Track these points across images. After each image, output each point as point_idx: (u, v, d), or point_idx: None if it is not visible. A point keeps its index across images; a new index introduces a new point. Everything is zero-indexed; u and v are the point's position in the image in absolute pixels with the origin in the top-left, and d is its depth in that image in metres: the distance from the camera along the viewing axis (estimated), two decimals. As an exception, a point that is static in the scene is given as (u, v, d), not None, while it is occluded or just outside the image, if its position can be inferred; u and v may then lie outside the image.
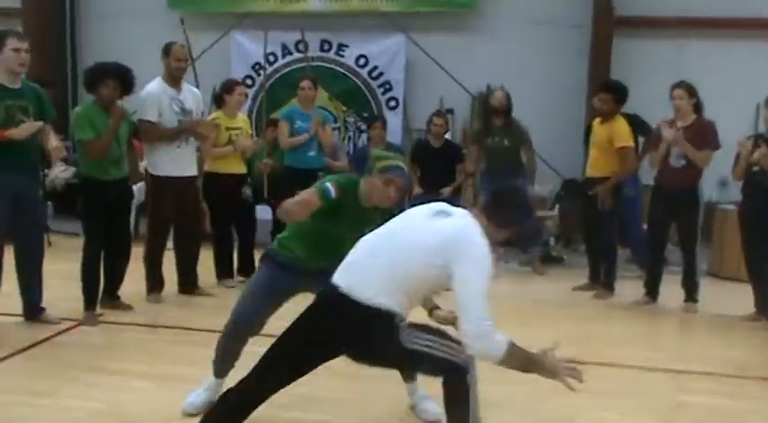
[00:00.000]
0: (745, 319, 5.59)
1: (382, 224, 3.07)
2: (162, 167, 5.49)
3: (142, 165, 5.75)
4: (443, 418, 2.97)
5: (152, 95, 5.43)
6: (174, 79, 5.52)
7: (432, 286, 2.93)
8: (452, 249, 2.78)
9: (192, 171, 5.67)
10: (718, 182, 8.03)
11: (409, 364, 3.05)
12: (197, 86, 6.30)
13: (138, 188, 6.08)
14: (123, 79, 5.09)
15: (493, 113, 6.98)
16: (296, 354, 2.96)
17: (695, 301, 5.87)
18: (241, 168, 6.21)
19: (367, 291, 2.81)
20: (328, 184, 3.25)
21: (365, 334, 2.81)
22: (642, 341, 5.14)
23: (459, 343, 2.80)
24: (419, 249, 2.81)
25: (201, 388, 3.66)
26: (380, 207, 3.38)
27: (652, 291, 5.99)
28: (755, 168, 5.34)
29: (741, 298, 5.76)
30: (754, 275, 5.58)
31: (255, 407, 2.98)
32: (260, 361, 2.99)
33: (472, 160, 7.19)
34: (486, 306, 2.75)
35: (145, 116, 5.41)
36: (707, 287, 6.15)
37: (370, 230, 3.08)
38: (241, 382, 3.00)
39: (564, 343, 3.37)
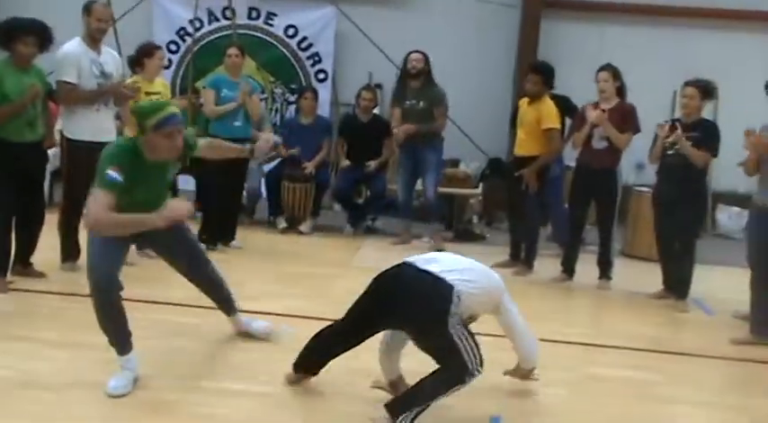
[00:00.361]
0: (654, 296, 5.82)
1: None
2: (79, 131, 5.27)
3: (57, 128, 5.54)
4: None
5: (71, 56, 5.21)
6: (94, 40, 5.31)
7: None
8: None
9: (110, 136, 5.47)
10: (635, 165, 8.29)
11: (441, 348, 3.23)
12: (118, 50, 6.11)
13: (54, 153, 5.86)
14: (42, 37, 4.88)
15: (408, 76, 7.01)
16: (363, 314, 3.41)
17: (609, 278, 6.07)
18: None
19: (437, 268, 3.30)
20: (109, 172, 3.34)
21: (425, 298, 3.23)
22: (558, 317, 5.29)
23: (479, 353, 3.20)
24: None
25: (121, 371, 3.54)
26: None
27: (569, 268, 6.16)
28: (670, 152, 5.52)
29: (652, 277, 5.99)
30: (664, 256, 5.80)
31: (338, 352, 3.51)
32: (347, 313, 3.45)
33: (395, 121, 7.15)
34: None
35: (63, 77, 5.18)
36: (620, 266, 6.36)
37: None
38: (331, 326, 3.53)
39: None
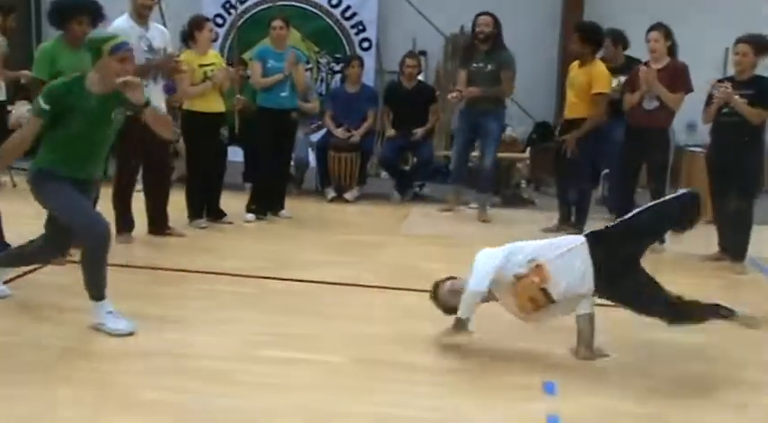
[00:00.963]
0: (710, 258, 5.71)
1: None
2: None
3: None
4: None
5: (120, 32, 5.23)
6: (141, 16, 5.38)
7: None
8: None
9: (161, 109, 5.56)
10: (687, 125, 8.09)
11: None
12: (164, 25, 6.16)
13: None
14: (95, 14, 4.95)
15: (476, 38, 6.78)
16: None
17: (663, 241, 5.96)
18: (220, 107, 6.13)
19: None
20: (39, 100, 3.67)
21: None
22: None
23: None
24: None
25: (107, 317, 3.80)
26: (120, 96, 3.71)
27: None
28: (724, 111, 5.38)
29: (707, 239, 5.86)
30: (720, 217, 5.68)
31: None
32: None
33: (461, 84, 6.90)
34: None
35: None
36: (674, 229, 6.23)
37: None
38: None
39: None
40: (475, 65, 6.76)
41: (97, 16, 4.96)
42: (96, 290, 3.81)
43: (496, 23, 6.69)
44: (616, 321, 4.10)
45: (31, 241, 4.16)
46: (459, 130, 7.12)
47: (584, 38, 6.09)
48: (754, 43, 5.32)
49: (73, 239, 4.02)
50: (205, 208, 6.23)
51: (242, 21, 8.79)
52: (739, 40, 5.39)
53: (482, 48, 6.76)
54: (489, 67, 6.71)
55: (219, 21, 9.44)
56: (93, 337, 3.76)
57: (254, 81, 6.56)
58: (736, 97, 5.22)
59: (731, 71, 5.77)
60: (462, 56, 7.12)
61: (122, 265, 5.03)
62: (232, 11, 9.23)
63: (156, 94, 5.50)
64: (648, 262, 5.72)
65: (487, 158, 6.86)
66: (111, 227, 5.37)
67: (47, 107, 3.66)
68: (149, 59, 5.38)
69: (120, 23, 5.30)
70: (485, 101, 6.70)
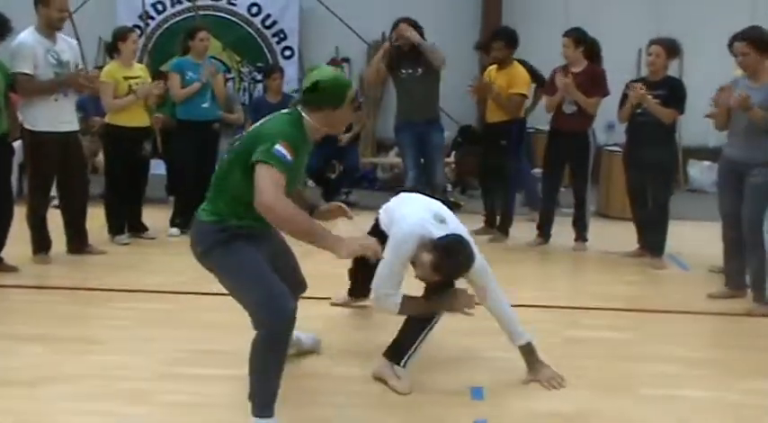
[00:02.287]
0: (630, 255, 5.87)
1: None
2: (40, 122, 5.18)
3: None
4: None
5: (25, 46, 5.08)
6: (50, 30, 5.20)
7: None
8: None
9: (72, 125, 5.39)
10: (606, 125, 8.29)
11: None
12: (76, 37, 5.99)
13: (20, 145, 5.77)
14: (1, 28, 4.78)
15: (400, 47, 6.24)
16: None
17: (585, 240, 6.11)
18: (145, 121, 6.01)
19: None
20: (280, 149, 2.75)
21: None
22: (535, 281, 5.32)
23: None
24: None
25: None
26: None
27: (545, 232, 6.19)
28: (638, 111, 5.53)
29: (627, 236, 6.02)
30: (638, 215, 5.83)
31: None
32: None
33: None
34: (385, 277, 3.33)
35: (20, 69, 5.07)
36: (595, 227, 6.39)
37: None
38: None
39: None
40: (404, 71, 6.35)
41: (4, 30, 4.78)
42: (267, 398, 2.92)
43: (417, 27, 6.31)
44: (540, 320, 4.16)
45: None
46: (405, 145, 6.39)
47: (509, 43, 6.17)
48: (666, 45, 5.49)
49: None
50: (126, 223, 6.07)
51: (158, 32, 8.62)
52: (652, 42, 5.56)
53: (408, 55, 6.28)
54: (420, 70, 6.28)
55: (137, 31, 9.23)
56: (9, 362, 3.60)
57: (173, 93, 6.43)
58: (649, 97, 5.38)
59: (645, 72, 5.94)
60: (387, 64, 6.40)
61: (40, 287, 4.87)
62: (149, 21, 9.03)
63: (67, 109, 5.34)
64: (572, 259, 5.93)
65: (438, 174, 6.37)
66: (27, 247, 5.26)
67: (291, 161, 2.79)
68: (58, 74, 5.20)
69: (26, 37, 5.12)
70: (427, 110, 6.30)
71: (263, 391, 2.90)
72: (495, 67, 6.32)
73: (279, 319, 2.83)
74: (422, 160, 6.36)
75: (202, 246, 2.99)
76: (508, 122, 6.21)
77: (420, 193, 3.97)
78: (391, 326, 3.56)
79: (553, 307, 4.64)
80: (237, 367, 3.54)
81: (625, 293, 5.03)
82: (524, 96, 6.24)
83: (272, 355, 2.86)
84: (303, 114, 2.96)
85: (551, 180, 6.19)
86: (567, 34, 5.91)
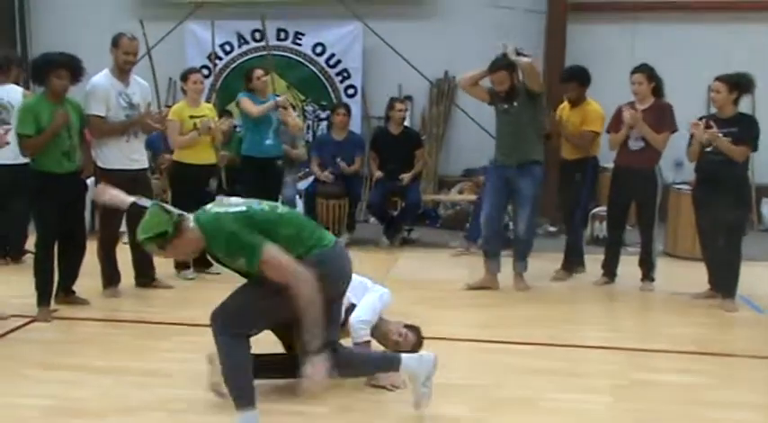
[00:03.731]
0: (700, 296, 5.68)
1: None
2: (111, 160, 5.37)
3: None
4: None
5: (99, 89, 5.29)
6: (122, 72, 5.41)
7: None
8: None
9: (141, 163, 5.57)
10: (674, 163, 8.13)
11: None
12: (153, 77, 6.21)
13: (93, 182, 5.97)
14: (73, 69, 4.98)
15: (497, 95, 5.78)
16: None
17: (652, 280, 5.96)
18: (211, 158, 6.15)
19: None
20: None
21: None
22: (601, 321, 5.20)
23: None
24: None
25: None
26: None
27: (610, 271, 6.06)
28: (708, 149, 5.41)
29: (696, 276, 5.85)
30: (709, 254, 5.67)
31: None
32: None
33: None
34: None
35: (92, 111, 5.27)
36: (663, 266, 6.24)
37: None
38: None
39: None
40: (500, 105, 5.82)
41: (76, 71, 4.98)
42: None
43: (510, 76, 5.68)
44: (607, 362, 4.06)
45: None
46: (490, 189, 6.04)
47: (582, 83, 6.14)
48: (728, 81, 5.39)
49: None
50: (192, 258, 6.18)
51: (226, 72, 8.86)
52: (716, 79, 5.46)
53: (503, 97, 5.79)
54: (515, 103, 5.73)
55: (205, 72, 9.50)
56: (78, 393, 3.68)
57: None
58: (720, 136, 5.26)
59: (714, 109, 5.82)
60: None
61: (109, 320, 4.98)
62: (217, 61, 9.29)
63: (136, 148, 5.51)
64: (639, 300, 5.79)
65: (522, 224, 5.89)
66: (97, 281, 5.40)
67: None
68: (129, 116, 5.39)
69: (99, 81, 5.33)
70: (523, 153, 5.76)
71: None
72: (567, 104, 6.28)
73: None
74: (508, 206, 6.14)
75: None
76: (583, 159, 6.15)
77: None
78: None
79: (619, 348, 4.52)
80: (299, 402, 3.58)
81: (695, 336, 4.86)
82: (597, 134, 6.16)
83: None
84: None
85: (617, 218, 6.08)
86: (638, 70, 5.82)
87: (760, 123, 5.43)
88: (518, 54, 5.60)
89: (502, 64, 5.65)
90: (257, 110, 6.47)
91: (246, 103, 6.58)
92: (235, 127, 7.53)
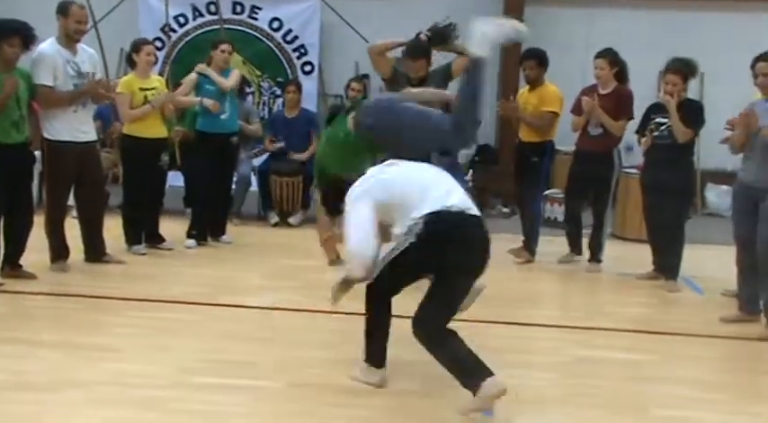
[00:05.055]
0: (644, 277, 5.85)
1: None
2: (58, 132, 5.26)
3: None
4: None
5: (47, 57, 5.16)
6: (69, 40, 5.28)
7: None
8: None
9: (90, 136, 5.46)
10: (624, 147, 8.27)
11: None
12: (101, 49, 6.09)
13: (40, 154, 5.86)
14: (25, 37, 4.87)
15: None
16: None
17: (599, 261, 6.10)
18: (162, 132, 6.04)
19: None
20: None
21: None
22: (548, 300, 5.33)
23: None
24: None
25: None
26: None
27: (577, 245, 6.19)
28: (656, 133, 5.54)
29: (642, 258, 6.01)
30: (654, 237, 5.82)
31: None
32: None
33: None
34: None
35: (41, 80, 5.14)
36: (611, 248, 6.37)
37: None
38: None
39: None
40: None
41: (28, 39, 4.87)
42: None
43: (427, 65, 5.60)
44: (553, 339, 4.16)
45: None
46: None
47: (540, 62, 6.18)
48: (682, 68, 5.50)
49: None
50: (143, 234, 6.13)
51: (181, 44, 8.73)
52: (667, 65, 5.58)
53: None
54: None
55: (159, 44, 9.34)
56: (26, 367, 3.65)
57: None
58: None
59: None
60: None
61: (58, 294, 4.93)
62: (172, 34, 9.14)
63: (85, 120, 5.42)
64: (586, 281, 5.92)
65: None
66: (45, 255, 5.33)
67: None
68: (77, 85, 5.28)
69: (45, 49, 5.19)
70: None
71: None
72: (527, 88, 6.34)
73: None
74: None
75: None
76: (541, 143, 6.20)
77: None
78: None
79: (565, 326, 4.64)
80: (253, 377, 3.61)
81: (638, 315, 5.02)
82: (556, 114, 6.22)
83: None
84: None
85: (576, 201, 6.20)
86: (601, 55, 5.91)
87: (707, 110, 5.58)
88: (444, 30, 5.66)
89: (423, 52, 5.51)
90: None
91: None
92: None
